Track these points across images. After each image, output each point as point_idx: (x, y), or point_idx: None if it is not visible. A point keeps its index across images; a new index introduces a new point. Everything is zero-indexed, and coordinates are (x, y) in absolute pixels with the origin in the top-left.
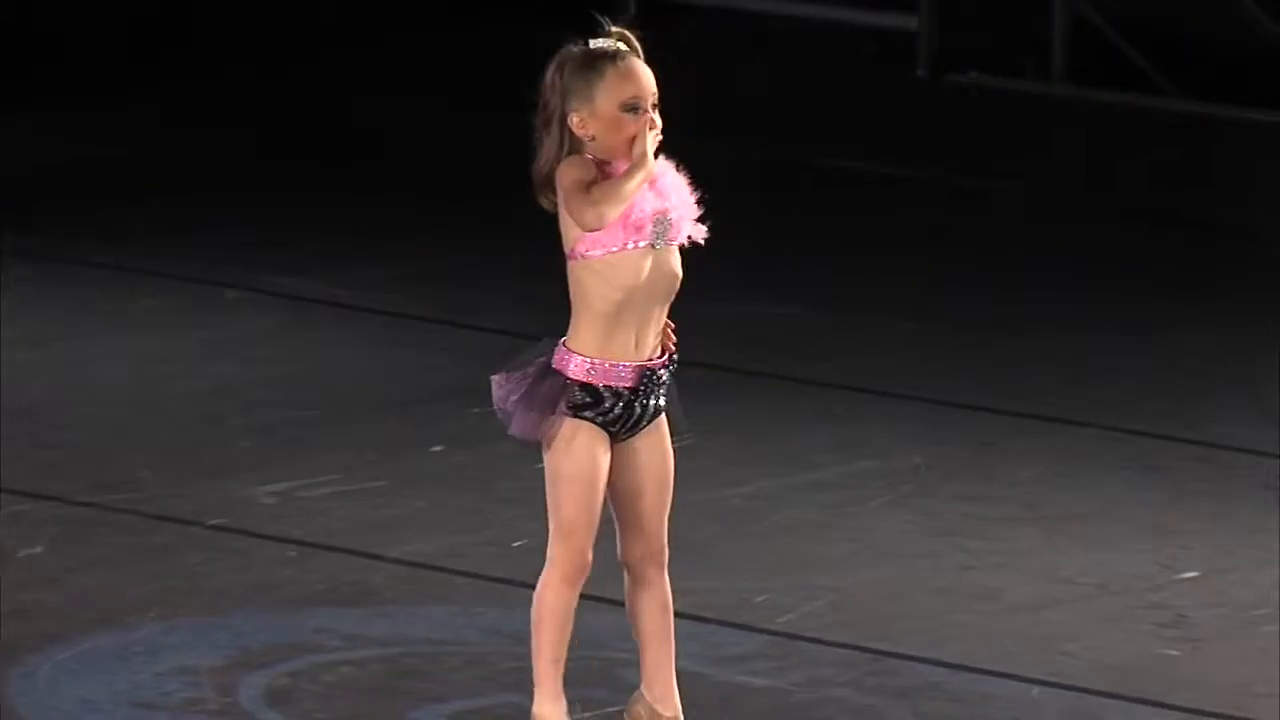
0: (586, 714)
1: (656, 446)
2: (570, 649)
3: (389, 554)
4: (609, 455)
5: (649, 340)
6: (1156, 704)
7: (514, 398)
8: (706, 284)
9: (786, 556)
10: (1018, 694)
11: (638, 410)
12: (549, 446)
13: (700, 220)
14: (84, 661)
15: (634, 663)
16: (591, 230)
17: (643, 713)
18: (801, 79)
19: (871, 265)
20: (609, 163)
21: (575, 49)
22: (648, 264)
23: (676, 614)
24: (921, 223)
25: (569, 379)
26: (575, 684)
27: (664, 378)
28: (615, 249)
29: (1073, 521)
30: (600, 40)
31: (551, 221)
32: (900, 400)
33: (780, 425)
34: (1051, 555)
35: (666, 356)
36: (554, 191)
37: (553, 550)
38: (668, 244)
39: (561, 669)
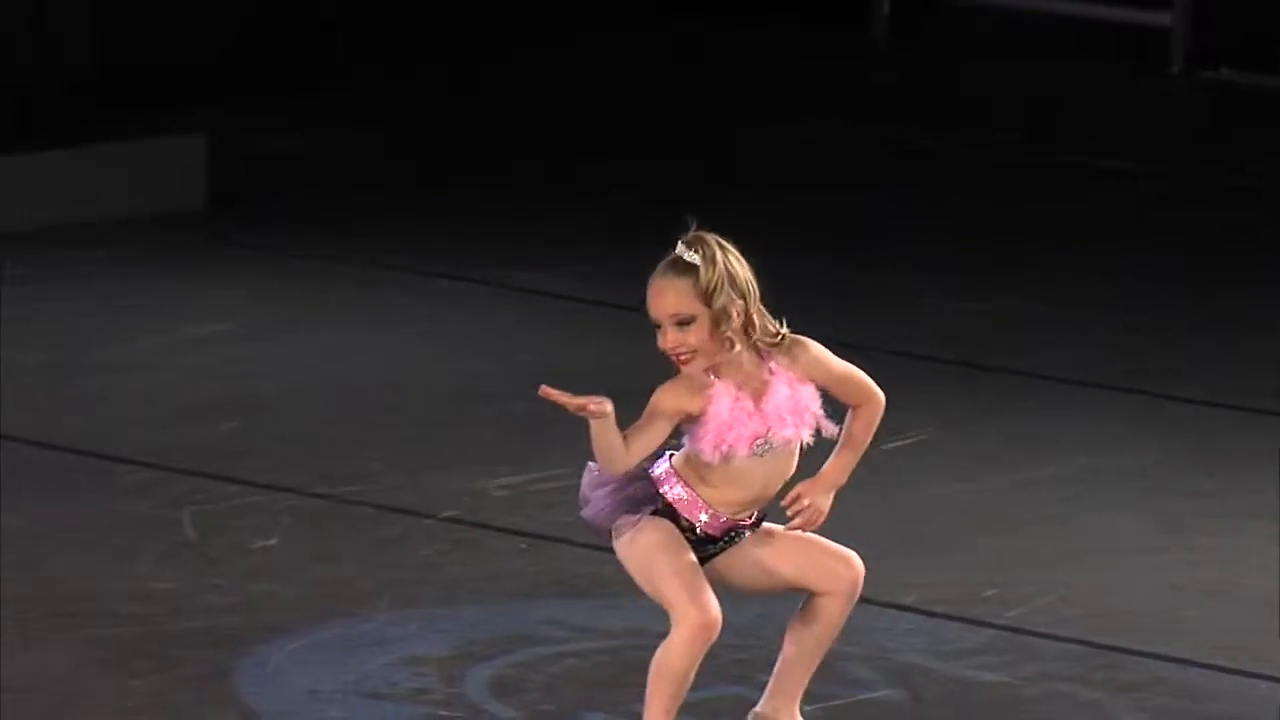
0: (809, 706)
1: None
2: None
3: None
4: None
5: (747, 508)
6: None
7: (602, 490)
8: (935, 282)
9: (1015, 551)
10: (1245, 689)
11: (713, 549)
12: (617, 536)
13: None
14: (313, 652)
15: (858, 658)
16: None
17: None
18: (1053, 75)
19: (1097, 260)
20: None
21: None
22: (757, 465)
23: (903, 608)
24: (1154, 217)
25: (659, 492)
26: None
27: (746, 535)
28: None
29: None
30: (680, 246)
31: (781, 221)
32: (1127, 394)
33: (1010, 420)
34: None
35: (756, 518)
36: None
37: (675, 615)
38: (775, 450)
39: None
